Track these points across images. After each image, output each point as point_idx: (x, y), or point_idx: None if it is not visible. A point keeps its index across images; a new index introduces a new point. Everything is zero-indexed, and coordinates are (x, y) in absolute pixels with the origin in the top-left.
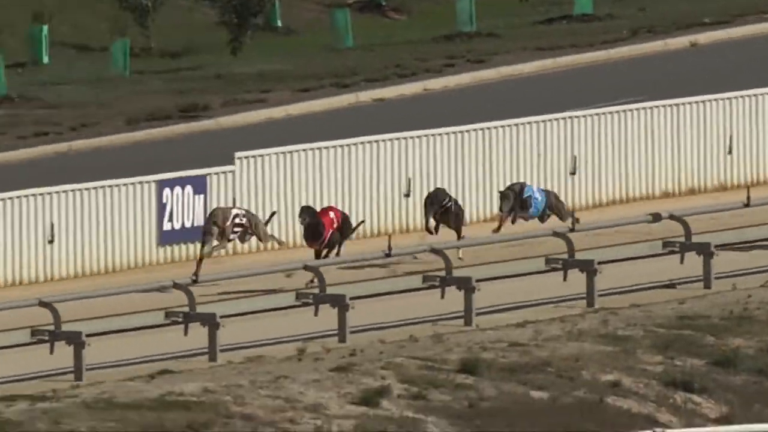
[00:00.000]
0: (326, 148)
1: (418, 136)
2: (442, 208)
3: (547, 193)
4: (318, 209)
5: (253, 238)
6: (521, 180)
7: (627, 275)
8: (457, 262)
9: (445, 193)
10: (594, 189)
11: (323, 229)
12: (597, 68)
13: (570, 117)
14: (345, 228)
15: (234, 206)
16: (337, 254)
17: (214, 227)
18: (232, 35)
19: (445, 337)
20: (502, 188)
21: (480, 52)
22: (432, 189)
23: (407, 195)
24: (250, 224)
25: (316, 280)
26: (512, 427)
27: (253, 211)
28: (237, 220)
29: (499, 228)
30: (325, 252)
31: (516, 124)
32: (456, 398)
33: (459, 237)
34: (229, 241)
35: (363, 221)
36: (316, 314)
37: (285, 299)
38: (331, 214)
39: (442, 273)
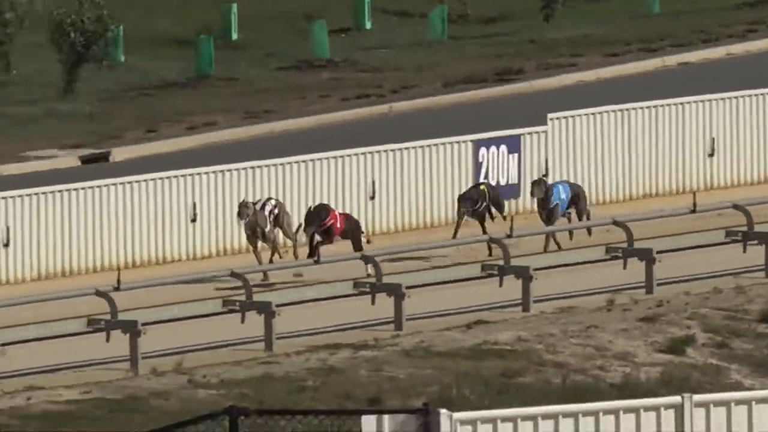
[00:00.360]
0: (633, 109)
1: (721, 99)
2: (475, 208)
3: (572, 186)
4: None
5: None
6: None
7: None
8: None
9: (479, 193)
10: None
11: (333, 229)
12: None
13: None
14: (351, 229)
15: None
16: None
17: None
18: (544, 2)
19: (747, 288)
20: None
21: None
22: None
23: (711, 155)
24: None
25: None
26: None
27: (565, 170)
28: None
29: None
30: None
31: None
32: (757, 347)
33: (484, 232)
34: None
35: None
36: (624, 267)
37: (594, 253)
38: (337, 214)
39: (744, 228)
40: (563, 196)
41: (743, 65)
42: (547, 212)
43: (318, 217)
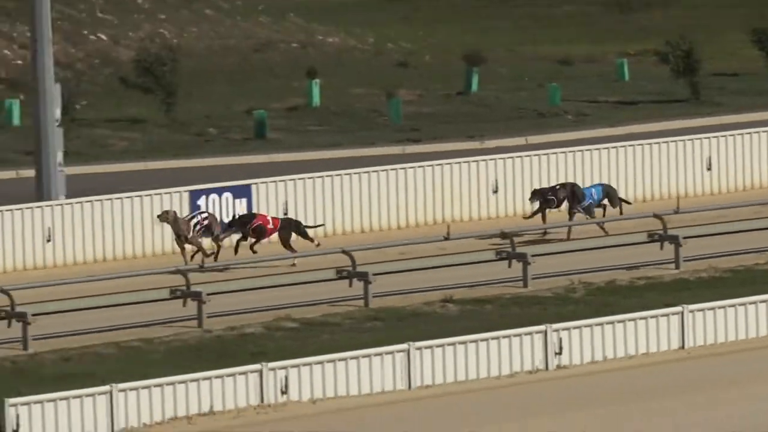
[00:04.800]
0: None
1: None
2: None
3: (603, 186)
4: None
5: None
6: None
7: None
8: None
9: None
10: None
11: (264, 229)
12: None
13: None
14: (286, 229)
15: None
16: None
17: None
18: None
19: None
20: None
21: None
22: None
23: None
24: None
25: None
26: None
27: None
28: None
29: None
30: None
31: None
32: None
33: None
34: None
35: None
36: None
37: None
38: (269, 218)
39: None
40: (595, 196)
41: None
42: (585, 209)
43: (241, 221)
